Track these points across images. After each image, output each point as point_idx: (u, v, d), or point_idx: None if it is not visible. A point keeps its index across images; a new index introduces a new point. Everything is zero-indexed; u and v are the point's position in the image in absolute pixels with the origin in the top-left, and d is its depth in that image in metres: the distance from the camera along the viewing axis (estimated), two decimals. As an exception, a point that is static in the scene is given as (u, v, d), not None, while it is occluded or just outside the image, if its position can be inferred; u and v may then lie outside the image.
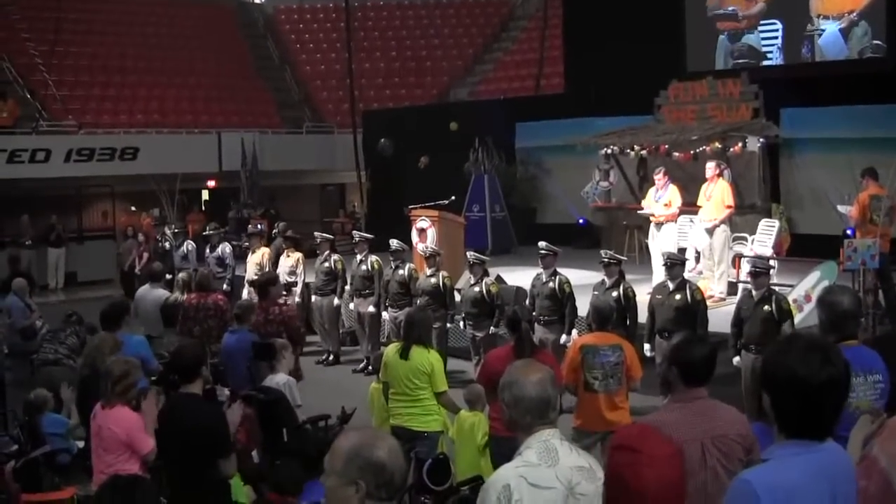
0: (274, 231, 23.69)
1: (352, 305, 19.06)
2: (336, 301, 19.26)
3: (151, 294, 16.99)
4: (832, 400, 3.98)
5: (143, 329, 15.61)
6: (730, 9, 26.20)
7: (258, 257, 20.35)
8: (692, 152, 22.25)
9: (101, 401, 8.69)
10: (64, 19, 36.39)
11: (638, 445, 4.29)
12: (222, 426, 8.25)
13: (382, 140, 30.71)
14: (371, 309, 18.44)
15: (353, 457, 4.05)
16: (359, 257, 18.87)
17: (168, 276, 20.98)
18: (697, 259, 19.57)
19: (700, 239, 19.05)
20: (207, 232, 22.53)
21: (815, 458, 3.95)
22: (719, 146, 21.70)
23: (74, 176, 32.10)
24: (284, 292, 19.09)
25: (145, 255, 25.80)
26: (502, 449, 8.72)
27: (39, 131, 32.22)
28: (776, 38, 25.30)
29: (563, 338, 15.19)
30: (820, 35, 24.23)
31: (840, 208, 17.44)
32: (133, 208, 33.37)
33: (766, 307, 12.93)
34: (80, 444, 10.37)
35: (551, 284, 15.39)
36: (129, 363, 8.84)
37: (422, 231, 20.48)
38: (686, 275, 15.15)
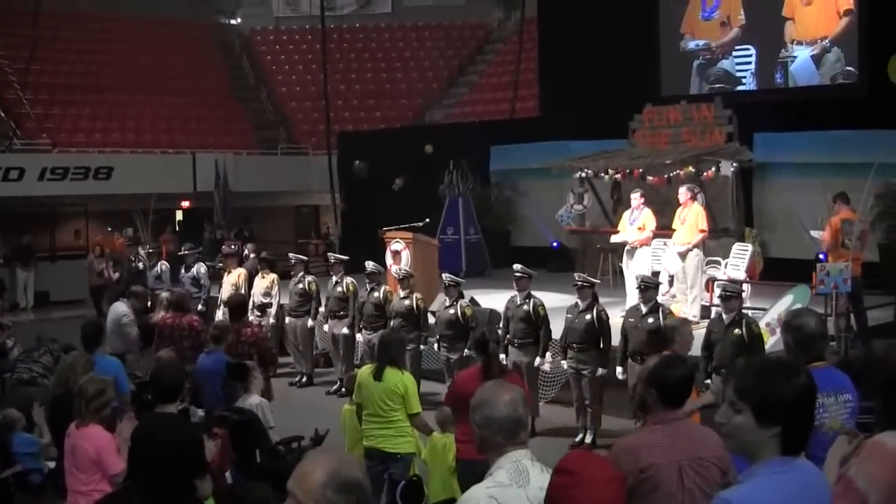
0: (245, 253, 23.62)
1: (326, 327, 19.03)
2: (310, 322, 19.26)
3: (113, 311, 16.90)
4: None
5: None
6: (701, 43, 26.44)
7: (234, 278, 20.30)
8: (666, 176, 22.33)
9: (75, 420, 8.66)
10: (40, 37, 36.39)
11: (576, 469, 4.31)
12: (199, 446, 8.23)
13: (357, 162, 30.75)
14: (345, 331, 18.43)
15: (331, 479, 3.89)
16: (334, 279, 18.86)
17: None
18: (671, 283, 19.62)
19: (673, 263, 19.11)
20: (183, 252, 22.46)
21: (794, 476, 3.98)
22: (693, 170, 21.78)
23: (48, 195, 32.02)
24: (259, 313, 19.11)
25: (115, 274, 25.71)
26: (468, 472, 8.73)
27: (13, 149, 32.15)
28: (750, 63, 25.50)
29: (537, 360, 15.20)
30: (793, 61, 24.44)
31: (812, 233, 17.52)
32: (109, 228, 33.24)
33: (736, 330, 12.97)
34: (52, 464, 10.34)
35: (525, 307, 15.38)
36: (103, 382, 8.81)
37: (396, 253, 20.48)
38: (659, 298, 15.20)
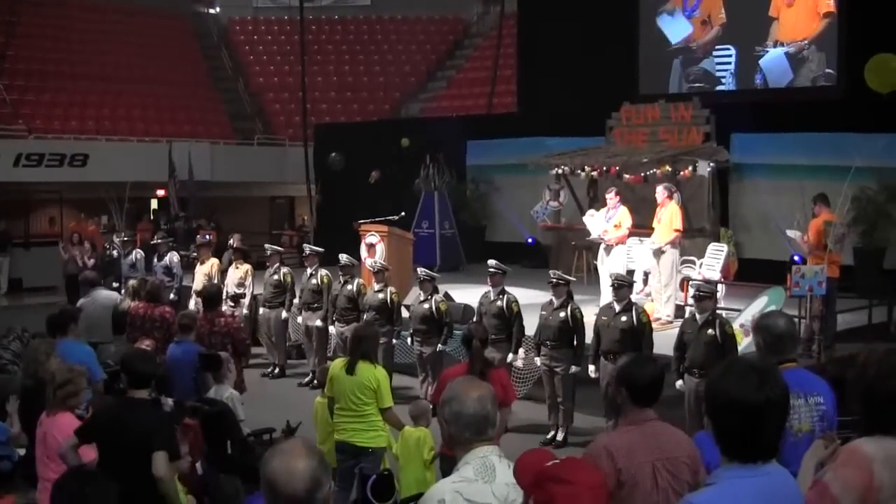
0: (230, 242, 23.54)
1: (300, 319, 18.98)
2: (284, 314, 19.22)
3: (102, 298, 16.67)
4: (771, 421, 4.02)
5: (86, 335, 15.23)
6: (681, 38, 26.53)
7: (207, 268, 20.22)
8: (643, 175, 22.29)
9: (46, 408, 8.61)
10: (16, 23, 36.22)
11: (572, 477, 4.30)
12: (171, 430, 8.22)
13: (333, 154, 30.67)
14: (319, 323, 18.38)
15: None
16: (309, 271, 18.81)
17: (115, 285, 20.86)
18: (645, 281, 19.62)
19: (645, 260, 19.13)
20: (156, 241, 22.40)
21: (761, 481, 3.98)
22: (669, 169, 21.73)
23: (22, 181, 31.89)
24: (232, 304, 19.04)
25: (91, 261, 25.61)
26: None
27: (-12, 135, 32.00)
28: (730, 63, 25.54)
29: (510, 356, 15.18)
30: (771, 61, 24.50)
31: (789, 232, 17.50)
32: (82, 215, 33.07)
33: (709, 331, 12.94)
34: (22, 451, 10.26)
35: (499, 303, 15.38)
36: (73, 371, 8.74)
37: (371, 246, 20.46)
38: (634, 297, 15.18)
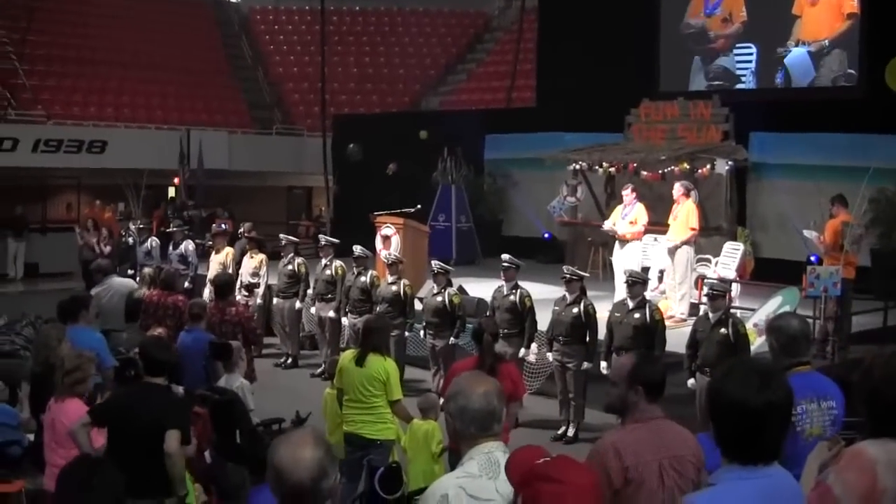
0: (241, 231, 23.53)
1: (313, 310, 18.96)
2: (298, 304, 19.21)
3: (117, 285, 16.64)
4: (772, 424, 4.00)
5: (100, 322, 15.19)
6: (700, 27, 26.46)
7: (222, 257, 20.20)
8: (660, 172, 22.22)
9: (54, 394, 8.64)
10: (37, 8, 36.25)
11: (563, 476, 4.27)
12: (185, 413, 8.26)
13: (351, 145, 30.68)
14: (332, 314, 18.36)
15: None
16: (323, 261, 18.79)
17: (131, 272, 20.89)
18: (660, 279, 19.57)
19: (660, 258, 19.07)
20: (171, 229, 22.40)
21: (762, 483, 3.95)
22: (687, 167, 21.67)
23: (41, 166, 31.96)
24: (246, 293, 19.04)
25: (107, 248, 25.61)
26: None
27: (7, 120, 32.08)
28: (750, 61, 25.46)
29: (522, 351, 15.14)
30: (792, 59, 24.41)
31: (805, 233, 17.41)
32: (98, 202, 33.12)
33: (722, 330, 12.90)
34: (31, 437, 10.28)
35: (512, 297, 15.33)
36: (81, 357, 8.77)
37: (386, 238, 20.42)
38: (648, 294, 15.13)
